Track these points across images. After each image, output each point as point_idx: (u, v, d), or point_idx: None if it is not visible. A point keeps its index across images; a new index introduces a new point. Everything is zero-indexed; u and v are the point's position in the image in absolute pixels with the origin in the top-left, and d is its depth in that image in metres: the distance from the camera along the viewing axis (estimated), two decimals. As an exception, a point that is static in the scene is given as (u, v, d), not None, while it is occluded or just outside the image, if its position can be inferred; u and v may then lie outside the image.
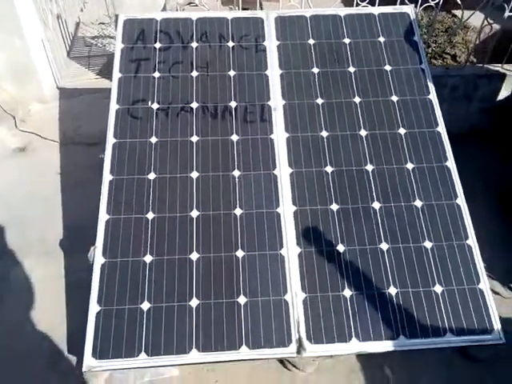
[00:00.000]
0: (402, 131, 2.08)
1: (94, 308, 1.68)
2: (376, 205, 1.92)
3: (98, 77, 4.23)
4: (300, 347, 1.62)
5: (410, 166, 2.00)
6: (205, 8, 3.42)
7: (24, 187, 2.74)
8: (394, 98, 2.16)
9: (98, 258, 1.76)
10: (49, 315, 2.03)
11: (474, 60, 3.65)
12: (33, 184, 2.78)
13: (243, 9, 3.29)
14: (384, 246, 1.84)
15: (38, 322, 2.02)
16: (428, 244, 1.84)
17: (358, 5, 2.72)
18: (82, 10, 5.80)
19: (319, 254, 1.81)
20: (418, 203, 1.92)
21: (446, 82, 2.89)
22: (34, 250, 2.32)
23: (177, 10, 4.04)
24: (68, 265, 2.24)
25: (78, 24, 5.43)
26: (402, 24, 2.35)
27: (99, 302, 1.69)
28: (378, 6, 2.54)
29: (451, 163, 2.01)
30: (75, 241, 2.33)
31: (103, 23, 5.64)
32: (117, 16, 2.35)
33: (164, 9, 4.30)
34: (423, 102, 2.15)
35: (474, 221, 1.88)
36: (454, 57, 4.19)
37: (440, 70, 2.99)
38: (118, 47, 2.23)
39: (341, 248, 1.83)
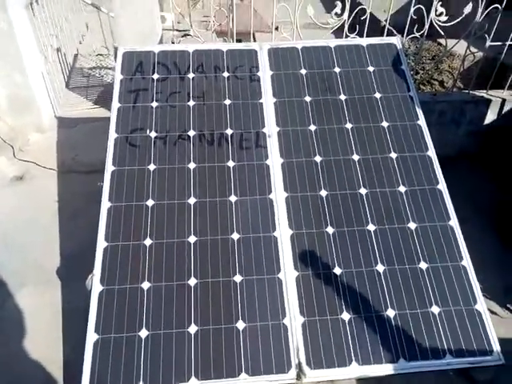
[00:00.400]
0: (393, 155, 2.14)
1: (91, 337, 1.66)
2: (371, 227, 1.95)
3: (95, 106, 4.33)
4: (300, 373, 1.61)
5: (402, 188, 2.05)
6: (199, 40, 3.56)
7: (22, 215, 2.76)
8: (385, 124, 2.23)
9: (95, 285, 1.76)
10: (45, 345, 2.00)
11: (461, 86, 3.80)
12: (30, 212, 2.80)
13: (237, 40, 3.43)
14: (380, 267, 1.86)
15: (34, 352, 2.00)
16: (423, 265, 1.86)
17: (347, 36, 2.85)
18: (80, 43, 5.98)
19: (316, 278, 1.83)
20: (412, 225, 1.96)
21: (434, 107, 3.00)
22: (31, 278, 2.32)
23: (173, 42, 4.19)
24: (65, 293, 2.23)
25: (76, 56, 5.59)
26: (389, 54, 2.47)
27: (97, 330, 1.68)
28: (366, 37, 2.67)
29: (442, 186, 2.06)
30: (72, 269, 2.34)
31: (101, 54, 5.81)
32: (116, 48, 2.45)
33: (161, 41, 4.45)
34: (413, 128, 2.23)
35: (466, 242, 1.92)
36: (441, 83, 4.37)
37: (428, 97, 3.10)
38: (117, 78, 2.31)
39: (337, 271, 1.85)
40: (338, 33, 3.12)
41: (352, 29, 2.82)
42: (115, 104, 2.24)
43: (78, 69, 5.26)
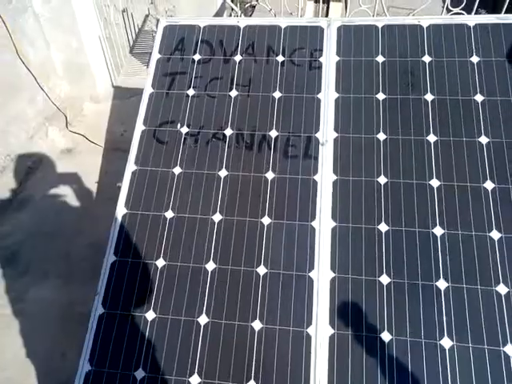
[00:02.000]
0: (489, 186, 1.58)
1: (84, 367, 1.47)
2: (442, 284, 1.46)
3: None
4: None
5: (496, 235, 1.51)
6: (267, 7, 3.08)
7: (60, 196, 2.68)
8: (483, 140, 1.65)
9: (97, 307, 1.55)
10: (52, 350, 1.89)
11: None
12: (70, 193, 2.71)
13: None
14: (446, 342, 1.39)
15: (40, 356, 1.90)
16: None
17: (449, 11, 2.18)
18: (151, 3, 5.73)
19: (357, 341, 1.42)
20: (503, 288, 1.43)
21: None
22: (55, 268, 2.22)
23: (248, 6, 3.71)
24: (82, 292, 2.09)
25: (146, 17, 5.36)
26: (506, 39, 1.80)
27: (90, 361, 1.48)
28: (477, 13, 2.00)
29: (558, 239, 1.47)
30: (96, 263, 2.19)
31: (171, 16, 5.51)
32: (158, 20, 2.11)
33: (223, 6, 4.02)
34: (525, 149, 1.62)
35: None
36: None
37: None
38: (153, 58, 1.98)
39: (386, 337, 1.42)
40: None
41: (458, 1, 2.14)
42: (148, 89, 1.93)
43: (146, 32, 5.05)
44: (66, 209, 2.56)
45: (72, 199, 2.63)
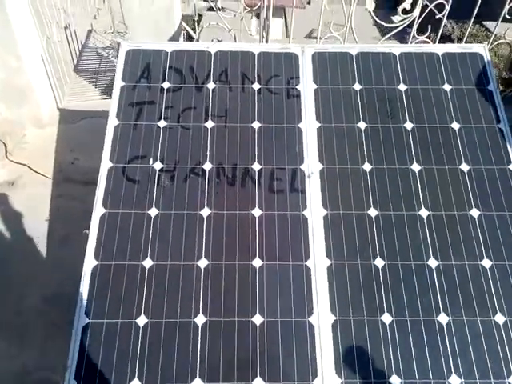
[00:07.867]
0: (475, 213, 1.59)
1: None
2: (443, 318, 1.43)
3: (104, 96, 3.82)
4: None
5: (487, 263, 1.52)
6: (226, 28, 3.00)
7: (4, 237, 2.34)
8: (465, 167, 1.67)
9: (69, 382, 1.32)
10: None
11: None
12: (15, 233, 2.38)
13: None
14: (454, 380, 1.35)
15: None
16: None
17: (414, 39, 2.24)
18: (95, 18, 5.41)
19: (365, 389, 1.34)
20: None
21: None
22: (3, 330, 1.90)
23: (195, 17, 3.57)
24: (40, 355, 1.81)
25: (89, 32, 5.04)
26: (472, 68, 1.87)
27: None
28: (440, 42, 2.06)
29: (543, 264, 1.51)
30: (54, 319, 1.91)
31: (119, 32, 5.23)
32: (118, 44, 1.93)
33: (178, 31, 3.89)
34: (502, 175, 1.66)
35: None
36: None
37: None
38: (116, 85, 1.80)
39: (395, 381, 1.35)
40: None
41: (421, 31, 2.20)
42: (112, 121, 1.74)
43: (90, 48, 4.73)
44: (11, 255, 2.23)
45: (18, 242, 2.30)
